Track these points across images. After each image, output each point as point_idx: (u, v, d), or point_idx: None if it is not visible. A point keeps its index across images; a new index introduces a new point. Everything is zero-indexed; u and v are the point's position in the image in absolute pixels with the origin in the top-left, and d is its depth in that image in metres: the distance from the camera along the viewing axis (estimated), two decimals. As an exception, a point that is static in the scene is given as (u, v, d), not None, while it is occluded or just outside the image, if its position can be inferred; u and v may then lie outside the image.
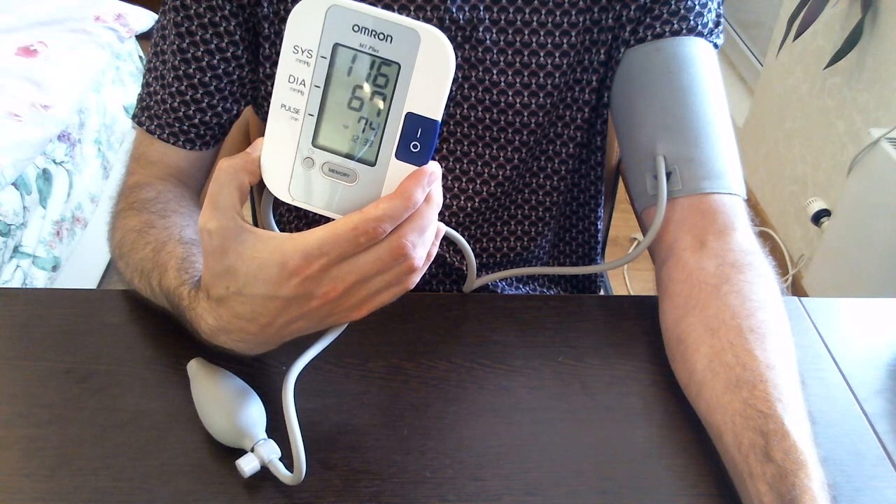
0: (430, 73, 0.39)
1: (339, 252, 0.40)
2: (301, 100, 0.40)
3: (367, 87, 0.39)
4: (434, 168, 0.40)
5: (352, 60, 0.39)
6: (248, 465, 0.48)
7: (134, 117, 0.70)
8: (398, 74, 0.39)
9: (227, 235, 0.41)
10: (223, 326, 0.46)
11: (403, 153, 0.40)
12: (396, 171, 0.40)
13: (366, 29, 0.38)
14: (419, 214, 0.41)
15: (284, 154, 0.41)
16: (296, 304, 0.42)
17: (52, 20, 1.76)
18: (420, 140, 0.40)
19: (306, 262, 0.40)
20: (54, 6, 1.80)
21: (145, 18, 1.90)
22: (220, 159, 0.77)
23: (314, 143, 0.41)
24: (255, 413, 0.51)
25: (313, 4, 0.38)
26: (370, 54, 0.39)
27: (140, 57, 1.95)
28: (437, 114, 0.39)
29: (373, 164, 0.41)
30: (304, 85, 0.40)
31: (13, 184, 1.35)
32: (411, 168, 0.40)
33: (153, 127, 0.68)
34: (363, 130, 0.40)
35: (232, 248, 0.41)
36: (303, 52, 0.39)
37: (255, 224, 0.98)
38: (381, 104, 0.39)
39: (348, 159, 0.41)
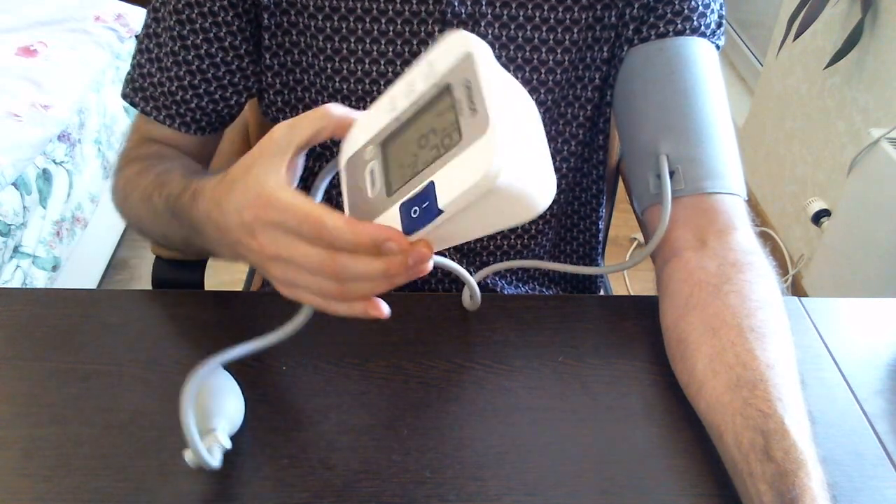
0: (468, 167, 0.37)
1: (286, 221, 0.42)
2: (403, 103, 0.42)
3: (437, 135, 0.40)
4: (397, 243, 0.40)
5: (445, 108, 0.39)
6: (188, 455, 0.48)
7: (125, 96, 0.70)
8: (455, 146, 0.38)
9: (273, 144, 0.44)
10: (211, 204, 0.48)
11: (405, 208, 0.40)
12: (391, 215, 0.41)
13: (469, 89, 0.38)
14: (363, 262, 0.41)
15: (364, 133, 0.43)
16: (244, 231, 0.45)
17: (52, 20, 1.76)
18: (421, 212, 0.39)
19: (267, 206, 0.43)
20: (54, 6, 1.80)
21: (145, 18, 1.90)
22: (214, 164, 0.77)
23: (383, 143, 0.42)
24: (223, 405, 0.50)
25: (462, 42, 0.40)
26: (456, 113, 0.39)
27: (140, 57, 1.95)
28: (445, 205, 0.38)
29: (388, 195, 0.41)
30: (413, 95, 0.41)
31: (13, 184, 1.35)
32: (399, 224, 0.40)
33: (149, 108, 0.68)
34: (409, 165, 0.41)
35: (265, 153, 0.44)
36: (432, 67, 0.41)
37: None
38: (430, 158, 0.39)
39: (384, 175, 0.42)
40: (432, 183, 0.39)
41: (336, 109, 0.44)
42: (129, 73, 0.70)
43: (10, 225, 1.33)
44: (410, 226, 0.40)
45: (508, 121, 0.37)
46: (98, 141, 1.69)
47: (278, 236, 0.43)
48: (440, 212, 0.38)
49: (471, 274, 0.76)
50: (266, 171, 0.44)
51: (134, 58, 0.69)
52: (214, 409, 0.50)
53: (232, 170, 0.47)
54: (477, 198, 0.37)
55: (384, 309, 0.45)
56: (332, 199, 0.75)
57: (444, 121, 0.39)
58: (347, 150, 0.45)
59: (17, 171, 1.35)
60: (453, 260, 0.76)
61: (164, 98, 0.67)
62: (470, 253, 0.76)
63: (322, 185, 0.47)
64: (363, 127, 0.44)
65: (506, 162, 0.36)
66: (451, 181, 0.38)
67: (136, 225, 0.66)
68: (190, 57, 0.65)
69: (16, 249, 1.38)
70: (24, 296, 0.65)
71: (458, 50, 0.39)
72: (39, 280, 1.45)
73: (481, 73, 0.38)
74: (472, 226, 0.41)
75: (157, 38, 0.66)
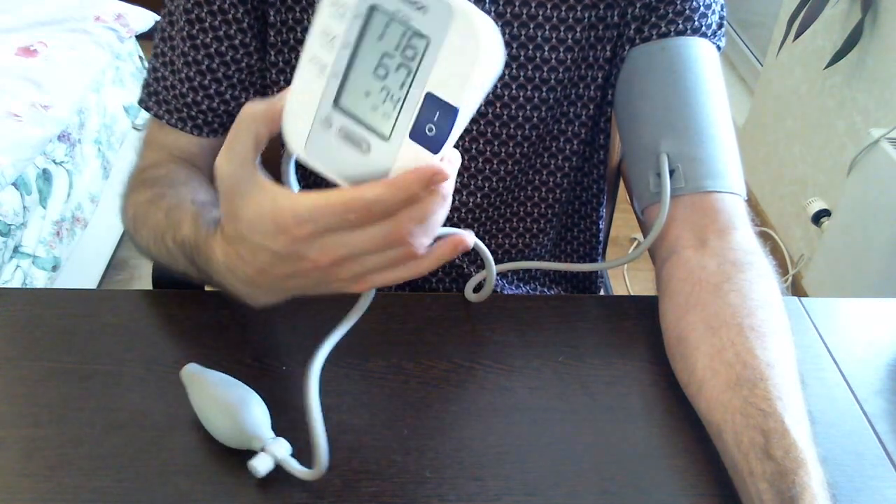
0: (457, 55, 0.36)
1: (327, 223, 0.40)
2: (330, 56, 0.38)
3: (394, 57, 0.38)
4: (446, 166, 0.39)
5: (385, 26, 0.37)
6: (262, 465, 0.48)
7: (140, 102, 0.70)
8: (426, 49, 0.37)
9: (236, 181, 0.42)
10: (228, 264, 0.46)
11: (418, 134, 0.38)
12: (408, 151, 0.39)
13: None
14: (422, 205, 0.40)
15: (306, 109, 0.40)
16: (288, 261, 0.42)
17: (52, 20, 1.76)
18: (436, 124, 0.38)
19: (296, 223, 0.40)
20: (54, 6, 1.80)
21: (145, 18, 1.90)
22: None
23: (335, 104, 0.39)
24: (259, 413, 0.51)
25: None
26: (403, 23, 0.37)
27: (140, 57, 1.95)
28: (458, 100, 0.37)
29: (386, 138, 0.39)
30: (336, 41, 0.38)
31: (13, 184, 1.35)
32: (423, 151, 0.38)
33: (161, 112, 0.68)
34: (384, 101, 0.38)
35: (238, 194, 0.42)
36: (339, 6, 0.37)
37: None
38: (404, 77, 0.38)
39: (364, 128, 0.39)
40: (429, 93, 0.37)
41: (256, 107, 0.41)
42: (145, 79, 0.70)
43: (10, 225, 1.33)
44: (436, 144, 0.38)
45: None
46: (98, 141, 1.69)
47: (328, 241, 0.40)
48: (457, 110, 0.37)
49: (473, 273, 0.76)
50: (256, 199, 0.41)
51: (150, 63, 0.70)
52: (259, 418, 0.51)
53: (224, 229, 0.45)
54: (481, 74, 0.37)
55: (468, 238, 0.43)
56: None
57: (392, 39, 0.37)
58: (298, 135, 0.41)
59: (17, 171, 1.35)
60: (454, 259, 0.76)
61: (177, 101, 0.67)
62: (472, 251, 0.76)
63: (291, 174, 0.45)
64: (298, 105, 0.40)
65: (487, 28, 0.36)
66: (449, 78, 0.37)
67: (147, 257, 0.63)
68: (200, 57, 0.65)
69: (16, 249, 1.38)
70: (24, 296, 0.65)
71: None
72: (39, 280, 1.45)
73: None
74: (473, 107, 0.40)
75: (171, 42, 0.67)
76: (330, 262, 0.41)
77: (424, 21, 0.36)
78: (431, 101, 0.37)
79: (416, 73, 0.37)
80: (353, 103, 0.39)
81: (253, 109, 0.41)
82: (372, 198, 0.38)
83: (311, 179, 0.77)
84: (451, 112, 0.37)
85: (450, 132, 0.38)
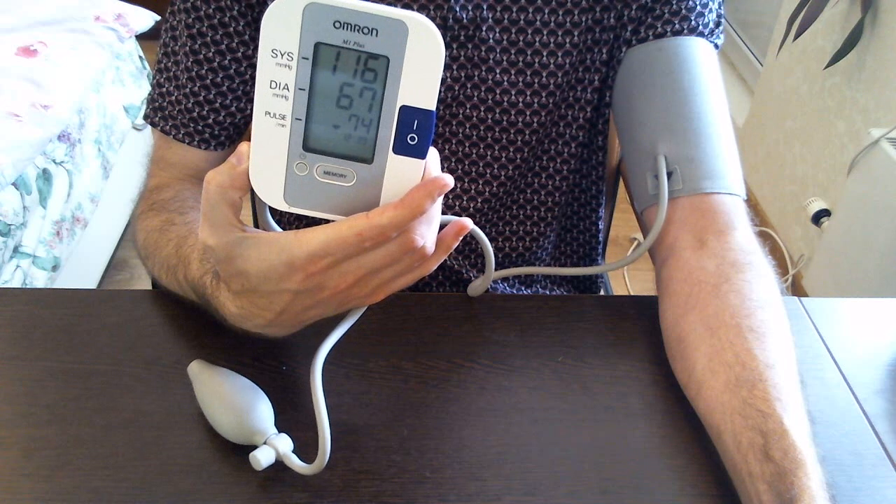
0: (420, 63, 0.37)
1: (344, 253, 0.40)
2: (286, 105, 0.38)
3: (355, 84, 0.38)
4: (448, 179, 0.39)
5: (336, 58, 0.37)
6: (264, 457, 0.48)
7: (146, 117, 0.70)
8: (387, 68, 0.37)
9: (230, 247, 0.42)
10: (244, 315, 0.47)
11: (401, 147, 0.39)
12: (395, 165, 0.40)
13: (348, 24, 0.36)
14: (429, 213, 0.40)
15: (275, 163, 0.40)
16: (308, 295, 0.43)
17: (52, 20, 1.76)
18: (417, 132, 0.39)
19: (312, 261, 0.41)
20: (54, 6, 1.80)
21: (145, 18, 1.90)
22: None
23: (305, 148, 0.39)
24: (263, 409, 0.51)
25: (288, 4, 0.36)
26: (355, 50, 0.37)
27: (140, 57, 1.95)
28: (431, 103, 0.38)
29: (370, 162, 0.40)
30: (288, 89, 0.38)
31: (13, 184, 1.35)
32: (410, 161, 0.39)
33: (168, 127, 0.68)
34: (355, 128, 0.39)
35: (238, 255, 0.42)
36: (282, 55, 0.37)
37: (255, 221, 0.98)
38: (371, 100, 0.38)
39: (343, 160, 0.40)
40: (404, 105, 0.38)
41: (220, 178, 0.40)
42: (149, 94, 0.70)
43: (10, 225, 1.33)
44: (420, 150, 0.39)
45: (400, 8, 0.37)
46: (98, 141, 1.69)
47: (344, 268, 0.41)
48: (433, 112, 0.38)
49: (473, 277, 0.76)
50: (258, 255, 0.41)
51: (154, 78, 0.70)
52: (263, 414, 0.51)
53: (230, 286, 0.45)
54: (441, 70, 0.38)
55: (467, 222, 0.43)
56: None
57: (347, 68, 0.37)
58: (273, 190, 0.41)
59: (17, 171, 1.35)
60: (454, 264, 0.76)
61: (183, 116, 0.68)
62: (472, 254, 0.77)
63: (270, 220, 0.45)
64: (265, 161, 0.40)
65: (435, 27, 0.37)
66: (419, 86, 0.38)
67: (158, 283, 0.63)
68: (204, 71, 0.65)
69: (16, 249, 1.38)
70: (24, 296, 0.65)
71: (294, 14, 0.36)
72: (39, 280, 1.45)
73: (341, 4, 0.36)
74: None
75: (174, 57, 0.67)
76: (350, 285, 0.42)
77: (378, 42, 0.37)
78: (407, 112, 0.38)
79: (383, 92, 0.38)
80: (324, 141, 0.39)
81: (219, 180, 0.40)
82: (386, 223, 0.39)
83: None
84: (427, 116, 0.38)
85: (431, 135, 0.39)
